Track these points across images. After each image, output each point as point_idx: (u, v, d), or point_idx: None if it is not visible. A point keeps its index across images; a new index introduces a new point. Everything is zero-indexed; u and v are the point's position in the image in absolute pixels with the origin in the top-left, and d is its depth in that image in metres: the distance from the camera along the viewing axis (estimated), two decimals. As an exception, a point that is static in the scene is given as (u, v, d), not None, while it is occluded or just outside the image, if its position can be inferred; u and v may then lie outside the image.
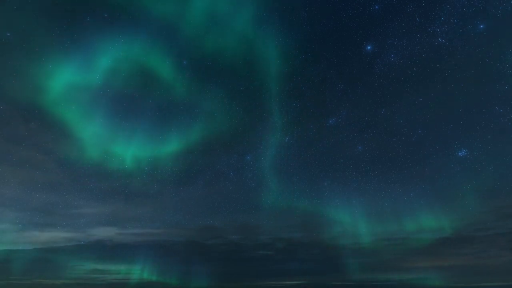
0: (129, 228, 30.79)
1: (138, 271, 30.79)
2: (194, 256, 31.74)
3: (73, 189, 28.55)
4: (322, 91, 28.68)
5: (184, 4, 26.41)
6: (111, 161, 29.00)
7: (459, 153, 26.25)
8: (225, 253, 31.75)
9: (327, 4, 26.62)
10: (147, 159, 29.62)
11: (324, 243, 31.00)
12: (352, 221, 29.65)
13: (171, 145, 29.71)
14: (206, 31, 27.63)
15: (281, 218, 30.93)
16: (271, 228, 31.33)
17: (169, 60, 27.92)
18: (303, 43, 27.82)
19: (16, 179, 26.72)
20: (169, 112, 29.45)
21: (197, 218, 31.48)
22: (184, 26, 27.23)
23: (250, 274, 31.92)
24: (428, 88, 26.24)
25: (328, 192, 29.95)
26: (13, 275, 28.22)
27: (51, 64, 25.11)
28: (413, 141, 27.68)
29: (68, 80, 26.12)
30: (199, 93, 29.29)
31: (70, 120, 27.34)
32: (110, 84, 27.28)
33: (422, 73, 25.84)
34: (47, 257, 29.47)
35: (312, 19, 27.10)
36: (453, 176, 26.79)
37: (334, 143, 29.45)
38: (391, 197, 28.59)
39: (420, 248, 29.08)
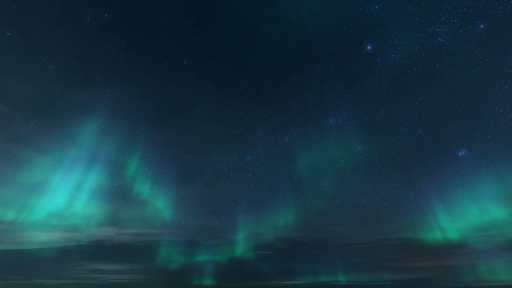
0: (129, 228, 30.81)
1: (138, 271, 30.85)
2: (194, 256, 31.76)
3: (73, 189, 28.52)
4: (322, 91, 28.70)
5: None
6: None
7: (459, 153, 26.30)
8: (225, 253, 31.78)
9: (327, 4, 26.62)
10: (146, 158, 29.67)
11: (324, 243, 31.03)
12: (352, 221, 29.69)
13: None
14: (205, 32, 27.76)
15: (281, 218, 30.99)
16: (271, 228, 31.37)
17: (167, 59, 28.08)
18: (303, 43, 27.87)
19: (16, 179, 26.72)
20: (169, 111, 29.52)
21: (197, 218, 31.51)
22: (183, 26, 27.37)
23: (250, 274, 31.94)
24: (428, 88, 26.27)
25: (328, 192, 29.99)
26: (13, 275, 28.25)
27: (51, 64, 25.24)
28: (413, 141, 27.72)
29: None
30: (199, 93, 29.42)
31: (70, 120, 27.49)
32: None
33: (422, 73, 25.88)
34: (47, 257, 29.46)
35: (312, 19, 27.11)
36: (453, 176, 26.83)
37: (334, 143, 29.44)
38: (391, 197, 28.61)
39: (420, 248, 29.13)
